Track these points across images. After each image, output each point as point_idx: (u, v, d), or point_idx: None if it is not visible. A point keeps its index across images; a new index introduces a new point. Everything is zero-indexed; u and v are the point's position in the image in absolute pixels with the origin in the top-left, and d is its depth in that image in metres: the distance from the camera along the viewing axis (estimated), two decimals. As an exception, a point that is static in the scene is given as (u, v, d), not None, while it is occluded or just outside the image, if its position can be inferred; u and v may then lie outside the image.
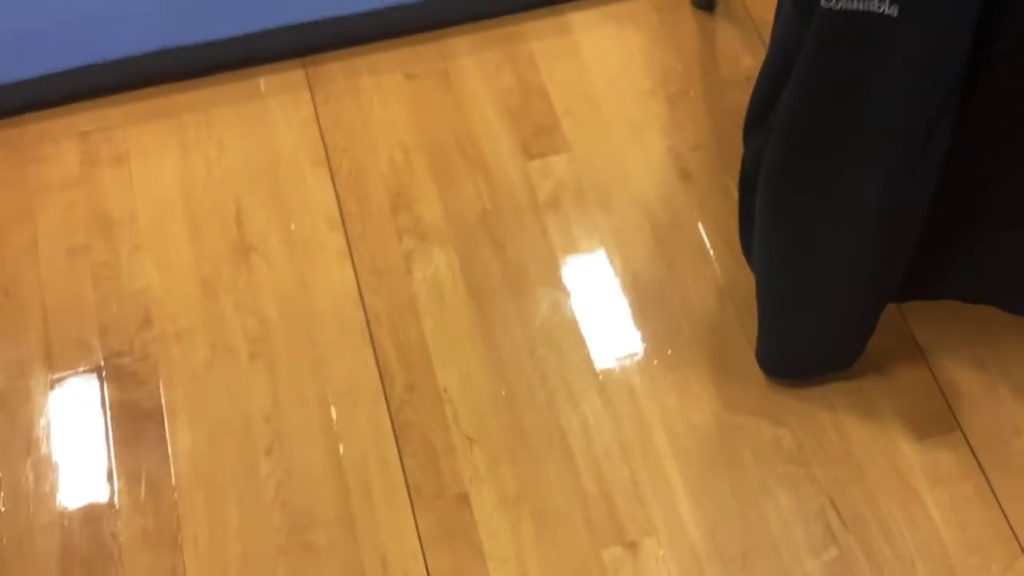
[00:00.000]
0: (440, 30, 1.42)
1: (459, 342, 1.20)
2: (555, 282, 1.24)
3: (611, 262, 1.26)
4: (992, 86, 0.86)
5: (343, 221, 1.29)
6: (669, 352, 1.19)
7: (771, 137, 0.94)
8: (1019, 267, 1.04)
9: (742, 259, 1.22)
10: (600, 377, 1.18)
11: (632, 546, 1.08)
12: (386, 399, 1.17)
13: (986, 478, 1.11)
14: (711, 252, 1.26)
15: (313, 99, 1.38)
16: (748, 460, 1.13)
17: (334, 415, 1.16)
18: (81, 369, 1.20)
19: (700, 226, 1.28)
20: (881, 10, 0.80)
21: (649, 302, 1.23)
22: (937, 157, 0.87)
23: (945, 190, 0.92)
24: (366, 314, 1.22)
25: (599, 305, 1.23)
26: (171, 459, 1.14)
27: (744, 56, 1.40)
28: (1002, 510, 1.09)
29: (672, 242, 1.27)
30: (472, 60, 1.40)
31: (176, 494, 1.12)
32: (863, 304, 1.06)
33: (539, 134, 1.35)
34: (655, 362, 1.19)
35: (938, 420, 1.14)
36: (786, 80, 0.90)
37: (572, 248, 1.26)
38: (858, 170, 0.90)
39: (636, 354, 1.19)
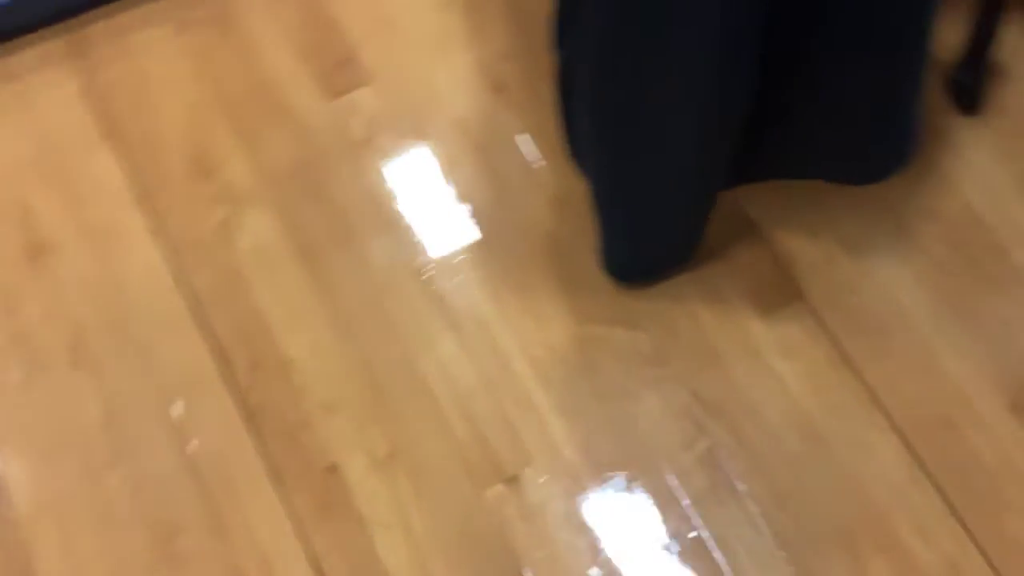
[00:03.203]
0: (208, -31, 1.30)
1: (297, 308, 1.13)
2: (384, 225, 1.18)
3: (439, 191, 1.20)
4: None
5: (143, 199, 1.18)
6: (515, 275, 1.16)
7: (586, 41, 0.90)
8: (828, 140, 1.05)
9: (571, 166, 1.19)
10: (450, 316, 1.14)
11: (513, 480, 1.07)
12: (230, 383, 1.10)
13: (834, 341, 1.14)
14: (539, 164, 1.22)
15: (82, 69, 1.24)
16: (610, 369, 1.12)
17: (176, 412, 1.08)
18: None
19: (523, 138, 1.24)
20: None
21: (486, 226, 1.19)
22: (752, 52, 0.86)
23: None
24: (189, 296, 1.14)
25: (435, 239, 1.18)
26: (8, 492, 1.04)
27: (537, -49, 1.34)
28: (854, 369, 1.13)
29: (498, 160, 1.22)
30: (251, -2, 1.29)
31: (21, 530, 1.03)
32: (697, 195, 1.05)
33: (339, 68, 1.26)
34: (502, 288, 1.16)
35: (781, 293, 1.17)
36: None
37: (396, 185, 1.20)
38: (681, 73, 0.87)
39: (482, 284, 1.16)
